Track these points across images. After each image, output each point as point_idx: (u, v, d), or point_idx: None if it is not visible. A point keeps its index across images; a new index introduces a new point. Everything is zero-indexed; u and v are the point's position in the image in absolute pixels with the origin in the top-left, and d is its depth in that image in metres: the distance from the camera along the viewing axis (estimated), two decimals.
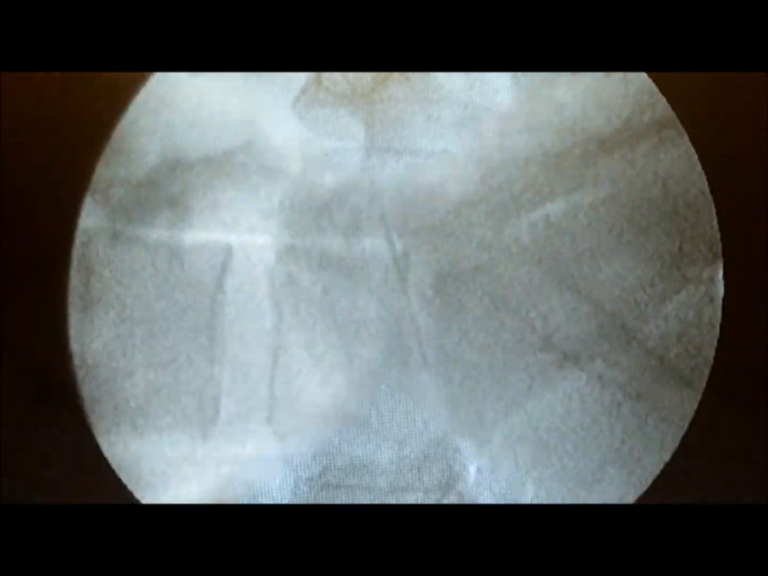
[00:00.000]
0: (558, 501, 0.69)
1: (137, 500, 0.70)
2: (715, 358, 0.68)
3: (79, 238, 0.71)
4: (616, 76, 0.69)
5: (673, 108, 0.68)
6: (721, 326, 0.68)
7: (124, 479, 0.71)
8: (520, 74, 0.70)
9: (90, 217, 0.72)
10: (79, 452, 0.71)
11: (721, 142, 0.68)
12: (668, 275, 0.69)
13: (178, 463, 0.71)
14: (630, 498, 0.68)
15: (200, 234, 0.72)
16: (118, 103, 0.71)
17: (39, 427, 0.71)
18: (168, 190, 0.72)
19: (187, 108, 0.72)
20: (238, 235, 0.72)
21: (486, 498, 0.70)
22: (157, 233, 0.72)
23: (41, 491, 0.70)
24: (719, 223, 0.68)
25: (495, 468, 0.70)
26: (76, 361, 0.71)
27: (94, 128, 0.71)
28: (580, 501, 0.69)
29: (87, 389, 0.71)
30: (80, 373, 0.71)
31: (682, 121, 0.68)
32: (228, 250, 0.72)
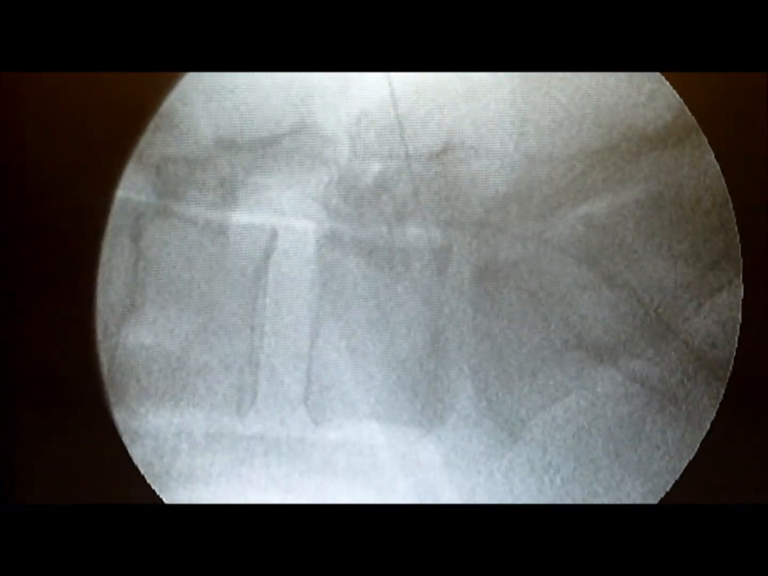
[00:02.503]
0: (583, 500, 0.70)
1: (160, 500, 0.70)
2: (735, 359, 0.69)
3: (126, 213, 0.70)
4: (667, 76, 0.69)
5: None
6: (741, 327, 0.68)
7: (156, 461, 0.71)
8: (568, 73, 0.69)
9: (138, 193, 0.70)
10: (104, 452, 0.70)
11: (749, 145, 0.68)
12: (711, 276, 0.69)
13: (213, 440, 0.71)
14: (653, 498, 0.70)
15: (245, 216, 0.71)
16: (166, 79, 0.70)
17: (63, 425, 0.70)
18: (216, 169, 0.71)
19: (238, 89, 0.71)
20: (283, 219, 0.71)
21: (515, 494, 0.71)
22: (204, 212, 0.71)
23: (65, 491, 0.70)
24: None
25: (526, 465, 0.71)
26: (111, 334, 0.71)
27: (141, 104, 0.70)
28: (605, 501, 0.70)
29: (121, 366, 0.71)
30: (114, 349, 0.71)
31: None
32: (273, 234, 0.71)
